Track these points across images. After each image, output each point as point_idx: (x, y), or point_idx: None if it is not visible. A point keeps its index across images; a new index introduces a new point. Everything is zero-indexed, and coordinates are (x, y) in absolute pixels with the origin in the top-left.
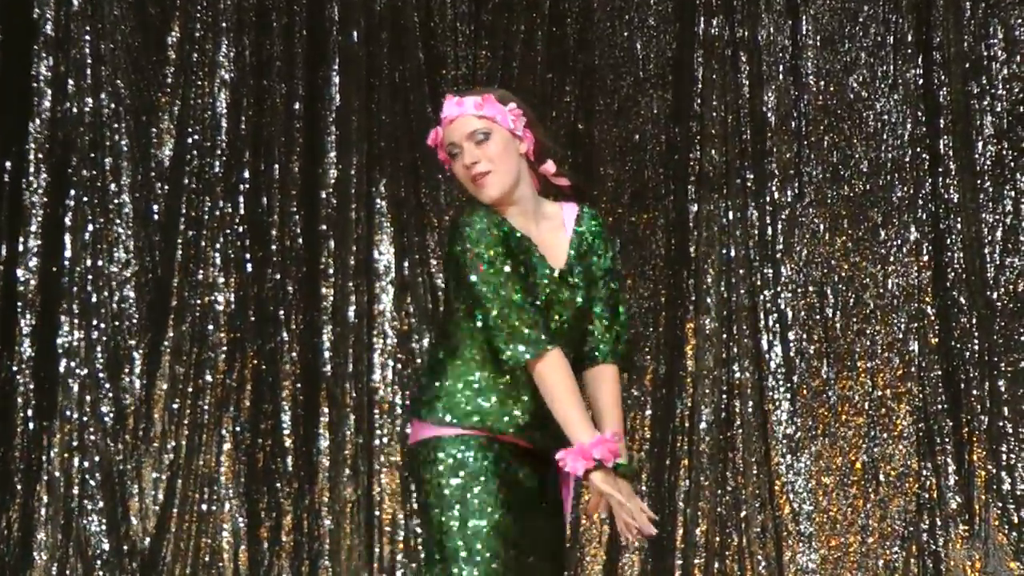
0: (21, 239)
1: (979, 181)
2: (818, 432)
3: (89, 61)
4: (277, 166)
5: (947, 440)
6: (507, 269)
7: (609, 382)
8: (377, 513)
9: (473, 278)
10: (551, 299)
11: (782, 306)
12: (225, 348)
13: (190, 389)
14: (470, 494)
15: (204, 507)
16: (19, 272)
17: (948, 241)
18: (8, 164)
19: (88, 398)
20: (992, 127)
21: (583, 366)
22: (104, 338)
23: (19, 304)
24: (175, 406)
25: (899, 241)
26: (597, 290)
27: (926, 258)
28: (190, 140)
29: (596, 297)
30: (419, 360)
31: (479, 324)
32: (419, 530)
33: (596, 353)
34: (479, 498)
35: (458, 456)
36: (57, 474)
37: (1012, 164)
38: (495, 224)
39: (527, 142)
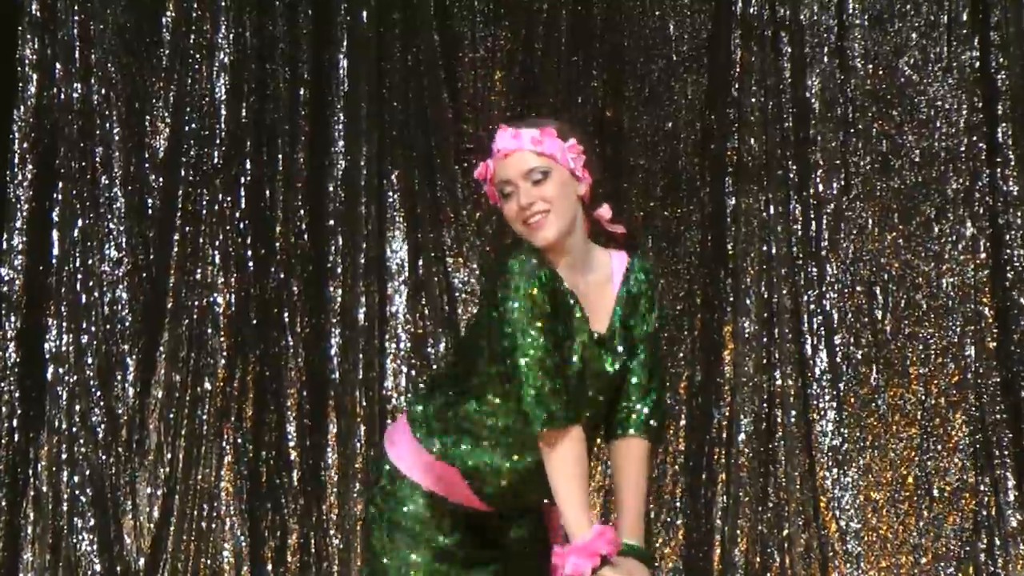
0: (5, 236)
1: None
2: (867, 444)
3: (77, 44)
4: (280, 157)
5: (1006, 453)
6: (548, 327)
7: (636, 460)
8: None
9: (511, 328)
10: (587, 365)
11: (827, 307)
12: (225, 353)
13: (188, 397)
14: (403, 551)
15: (203, 525)
16: (3, 271)
17: (1007, 237)
18: None
19: (78, 407)
20: None
21: (611, 435)
22: (95, 342)
23: (3, 306)
24: (171, 416)
25: (954, 237)
26: (636, 355)
27: (983, 255)
28: (187, 128)
29: (635, 363)
30: (435, 367)
31: (506, 374)
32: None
33: (628, 424)
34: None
35: (411, 509)
36: (45, 489)
37: None
38: (544, 274)
39: (585, 183)
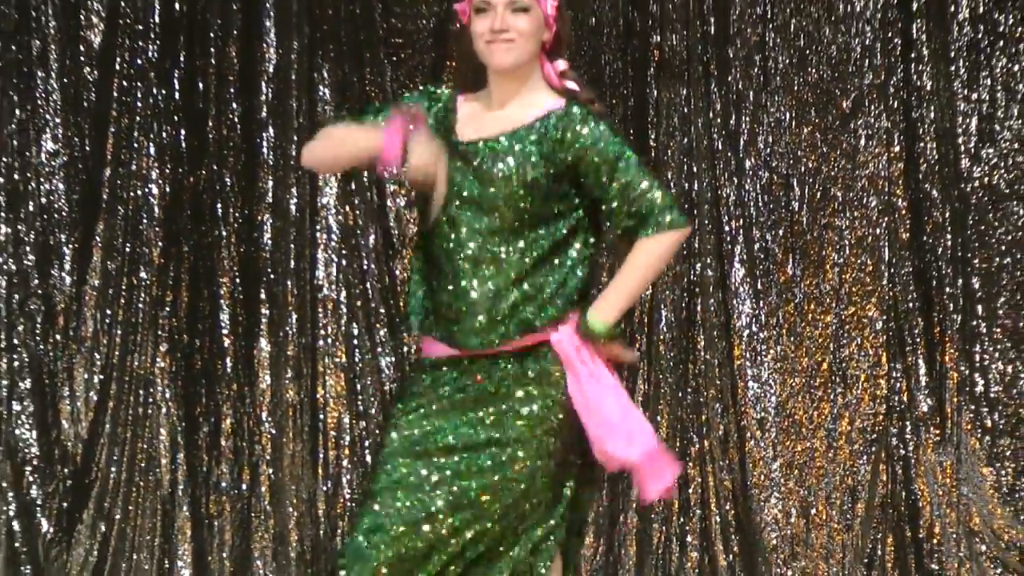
0: None
1: (953, 67)
2: (783, 331)
3: None
4: (213, 50)
5: (918, 340)
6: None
7: (628, 255)
8: (321, 416)
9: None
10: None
11: (745, 199)
12: (160, 243)
13: (123, 286)
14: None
15: (139, 410)
16: None
17: (920, 131)
18: None
19: (16, 296)
20: (967, 10)
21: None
22: (32, 232)
23: None
24: (107, 304)
25: (869, 131)
26: (607, 184)
27: (897, 148)
28: (122, 22)
29: (607, 194)
30: (365, 260)
31: None
32: None
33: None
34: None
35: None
36: None
37: (988, 49)
38: (431, 94)
39: (550, 32)
